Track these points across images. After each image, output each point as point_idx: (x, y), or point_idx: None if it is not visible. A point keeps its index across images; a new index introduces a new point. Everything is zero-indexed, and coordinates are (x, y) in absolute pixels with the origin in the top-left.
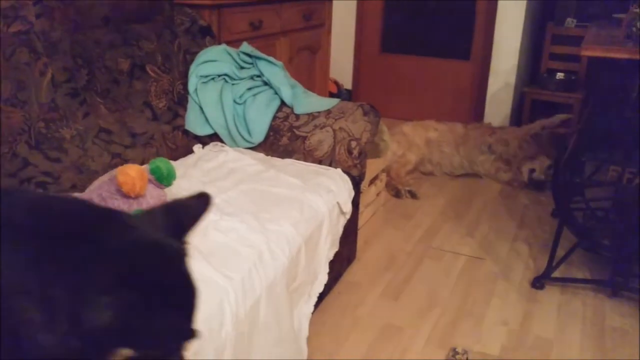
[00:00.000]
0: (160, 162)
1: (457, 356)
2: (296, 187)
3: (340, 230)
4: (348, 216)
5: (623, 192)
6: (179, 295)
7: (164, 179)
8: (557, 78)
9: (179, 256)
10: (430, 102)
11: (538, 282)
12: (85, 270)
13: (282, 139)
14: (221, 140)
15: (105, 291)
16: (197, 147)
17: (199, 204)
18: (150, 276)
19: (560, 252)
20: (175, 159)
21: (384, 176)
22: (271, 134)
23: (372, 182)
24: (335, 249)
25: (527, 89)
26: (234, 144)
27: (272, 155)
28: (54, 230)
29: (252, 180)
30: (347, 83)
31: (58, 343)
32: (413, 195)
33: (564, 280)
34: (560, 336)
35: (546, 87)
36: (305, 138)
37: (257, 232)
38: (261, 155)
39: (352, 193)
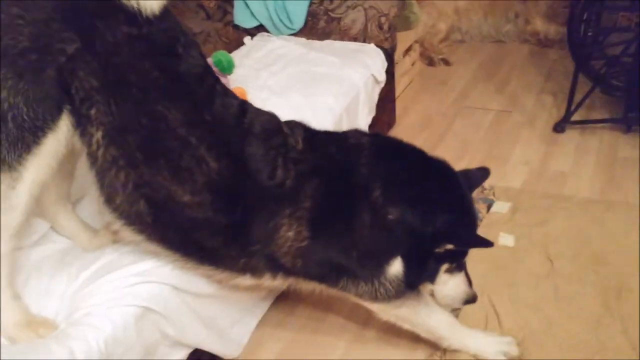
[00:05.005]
0: (221, 55)
1: (485, 191)
2: (335, 65)
3: (375, 97)
4: (382, 85)
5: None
6: None
7: (225, 69)
8: None
9: None
10: None
11: (559, 126)
12: None
13: (320, 23)
14: (267, 31)
15: None
16: (247, 39)
17: (481, 174)
18: None
19: (580, 98)
20: (230, 51)
21: (417, 46)
22: (309, 19)
23: (406, 52)
24: (372, 114)
25: None
26: (278, 32)
27: (312, 39)
28: None
29: (297, 62)
30: None
31: None
32: (446, 62)
33: (582, 123)
34: (575, 169)
35: None
36: (339, 19)
37: (304, 105)
38: (303, 39)
39: (385, 64)
